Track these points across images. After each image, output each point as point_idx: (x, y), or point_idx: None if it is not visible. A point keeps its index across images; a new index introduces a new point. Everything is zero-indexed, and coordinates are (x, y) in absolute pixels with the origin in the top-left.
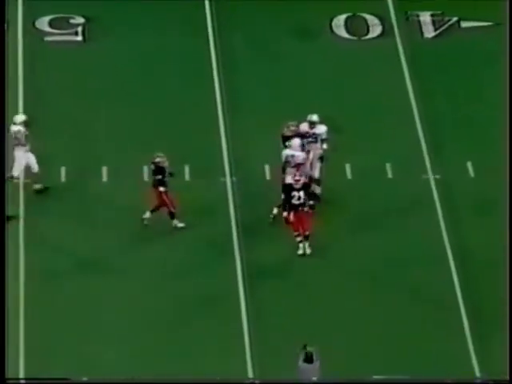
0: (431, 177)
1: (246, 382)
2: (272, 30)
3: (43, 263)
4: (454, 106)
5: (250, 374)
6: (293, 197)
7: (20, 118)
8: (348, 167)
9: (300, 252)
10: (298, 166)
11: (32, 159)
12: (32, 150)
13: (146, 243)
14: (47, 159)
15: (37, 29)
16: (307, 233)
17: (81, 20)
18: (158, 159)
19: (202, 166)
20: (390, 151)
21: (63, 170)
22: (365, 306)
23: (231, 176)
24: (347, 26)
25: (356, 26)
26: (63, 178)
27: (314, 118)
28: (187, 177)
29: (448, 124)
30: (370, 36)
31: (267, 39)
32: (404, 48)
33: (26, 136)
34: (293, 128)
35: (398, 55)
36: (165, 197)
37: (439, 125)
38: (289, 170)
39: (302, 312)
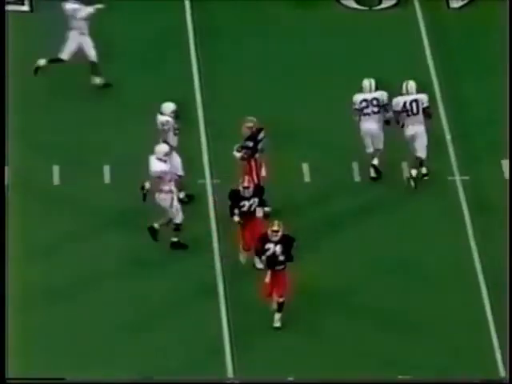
0: (458, 178)
1: (227, 382)
2: None
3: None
4: (487, 90)
5: None
6: (267, 250)
7: (169, 106)
8: (355, 166)
9: (277, 325)
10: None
11: (177, 160)
12: (178, 150)
13: None
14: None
15: None
16: (281, 300)
17: None
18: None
19: None
20: (406, 146)
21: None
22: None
23: (212, 178)
24: None
25: None
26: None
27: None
28: None
29: (479, 113)
30: (383, 6)
31: (257, 9)
32: (425, 20)
33: (175, 130)
34: (249, 125)
35: (418, 29)
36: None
37: (468, 114)
38: (372, 116)
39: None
